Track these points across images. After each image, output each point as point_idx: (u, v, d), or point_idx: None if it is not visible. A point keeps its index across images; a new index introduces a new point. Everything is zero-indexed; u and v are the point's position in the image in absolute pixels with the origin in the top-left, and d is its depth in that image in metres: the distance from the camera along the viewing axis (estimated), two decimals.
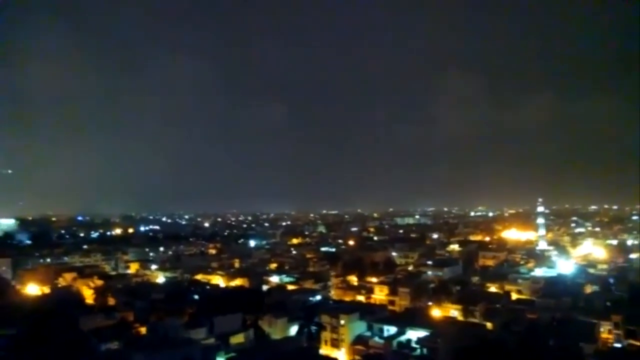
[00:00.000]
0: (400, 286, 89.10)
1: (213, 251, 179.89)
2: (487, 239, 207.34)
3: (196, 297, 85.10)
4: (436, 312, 73.84)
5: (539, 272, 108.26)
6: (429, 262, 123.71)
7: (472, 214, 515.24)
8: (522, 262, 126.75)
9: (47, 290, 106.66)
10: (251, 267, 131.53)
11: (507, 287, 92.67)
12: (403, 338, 59.41)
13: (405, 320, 64.99)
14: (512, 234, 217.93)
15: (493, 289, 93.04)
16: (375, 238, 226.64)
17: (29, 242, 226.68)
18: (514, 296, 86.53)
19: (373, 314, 69.15)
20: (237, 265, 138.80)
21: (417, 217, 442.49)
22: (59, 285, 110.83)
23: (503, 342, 51.39)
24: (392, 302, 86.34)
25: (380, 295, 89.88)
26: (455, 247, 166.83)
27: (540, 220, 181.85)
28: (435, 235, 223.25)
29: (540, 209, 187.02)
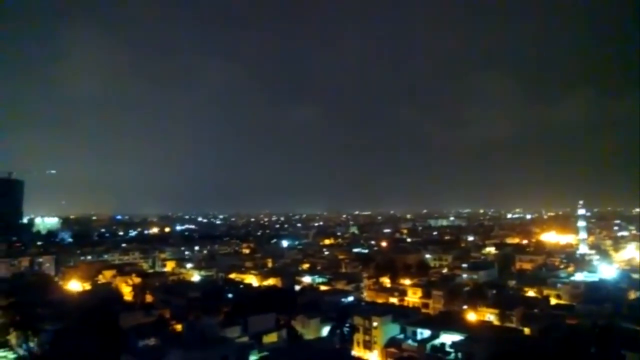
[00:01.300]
0: (434, 289, 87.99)
1: (246, 251, 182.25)
2: (525, 241, 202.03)
3: (230, 296, 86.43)
4: (471, 316, 72.54)
5: (580, 276, 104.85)
6: (464, 265, 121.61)
7: (509, 216, 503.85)
8: (561, 266, 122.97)
9: (88, 286, 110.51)
10: (284, 267, 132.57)
11: (546, 292, 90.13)
12: (437, 342, 58.62)
13: (440, 323, 64.09)
14: (551, 237, 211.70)
15: (531, 293, 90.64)
16: (408, 240, 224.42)
17: (70, 240, 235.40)
18: (553, 301, 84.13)
19: (406, 316, 68.55)
20: (270, 265, 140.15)
21: (451, 218, 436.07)
22: (99, 282, 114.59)
23: (541, 347, 50.06)
24: (425, 305, 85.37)
25: (413, 297, 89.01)
26: (491, 250, 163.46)
27: (581, 223, 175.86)
28: (470, 238, 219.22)
29: (581, 211, 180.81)
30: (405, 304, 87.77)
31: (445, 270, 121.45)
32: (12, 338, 72.53)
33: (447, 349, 56.23)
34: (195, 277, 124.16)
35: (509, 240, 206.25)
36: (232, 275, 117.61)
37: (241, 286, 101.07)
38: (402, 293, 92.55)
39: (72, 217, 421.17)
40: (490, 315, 72.41)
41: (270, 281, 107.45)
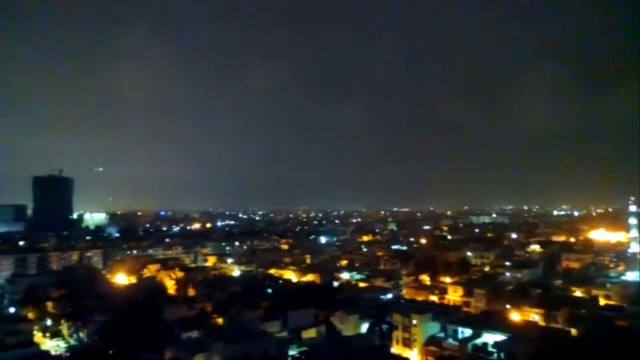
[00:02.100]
0: (476, 287, 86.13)
1: (285, 247, 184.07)
2: (572, 239, 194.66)
3: (270, 291, 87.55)
4: (515, 316, 70.62)
5: (631, 276, 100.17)
6: (507, 263, 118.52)
7: (555, 212, 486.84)
8: (611, 265, 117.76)
9: (134, 280, 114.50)
10: (322, 263, 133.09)
11: (594, 292, 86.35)
12: (479, 341, 57.40)
13: (481, 322, 62.70)
14: (600, 235, 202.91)
15: (578, 293, 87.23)
16: (449, 237, 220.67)
17: (117, 235, 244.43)
18: (602, 302, 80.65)
19: (447, 314, 67.49)
20: (308, 261, 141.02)
21: (494, 215, 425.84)
22: (144, 276, 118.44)
23: (588, 349, 48.15)
24: (467, 304, 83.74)
25: (454, 296, 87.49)
26: (535, 247, 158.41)
27: (633, 221, 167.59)
28: (513, 235, 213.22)
29: (633, 208, 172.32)
30: (446, 302, 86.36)
31: (487, 269, 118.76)
32: (64, 328, 76.11)
33: (490, 348, 54.96)
34: (236, 272, 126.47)
35: (555, 238, 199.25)
36: (272, 271, 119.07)
37: (280, 281, 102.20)
38: (443, 291, 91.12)
39: (118, 212, 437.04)
40: (534, 315, 70.25)
41: (309, 277, 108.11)
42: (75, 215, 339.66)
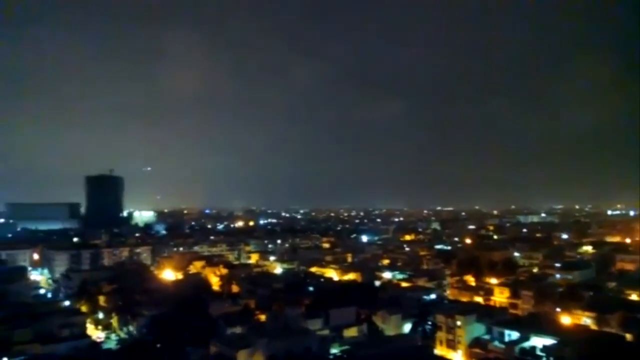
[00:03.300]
0: (523, 289, 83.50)
1: (327, 245, 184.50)
2: (627, 240, 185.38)
3: (311, 289, 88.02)
4: (565, 319, 68.01)
5: None
6: (556, 264, 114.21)
7: (609, 212, 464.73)
8: None
9: (180, 276, 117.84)
10: (364, 262, 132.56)
11: None
12: (526, 344, 55.64)
13: (529, 325, 60.76)
14: None
15: (634, 296, 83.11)
16: (495, 237, 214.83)
17: (165, 232, 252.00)
18: None
19: (492, 316, 65.79)
20: (349, 259, 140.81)
21: (542, 215, 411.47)
22: (190, 272, 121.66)
23: None
24: (513, 306, 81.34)
25: (500, 297, 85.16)
26: (587, 248, 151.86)
27: None
28: (563, 236, 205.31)
29: None
30: (491, 303, 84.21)
31: (535, 270, 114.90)
32: (115, 321, 79.28)
33: (538, 352, 53.21)
34: (278, 269, 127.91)
35: (609, 239, 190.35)
36: (313, 269, 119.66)
37: (322, 280, 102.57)
38: (488, 292, 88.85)
39: (165, 210, 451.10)
40: (586, 319, 67.37)
41: (350, 276, 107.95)
42: (125, 213, 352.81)
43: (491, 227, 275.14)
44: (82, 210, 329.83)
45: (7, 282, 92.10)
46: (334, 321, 60.78)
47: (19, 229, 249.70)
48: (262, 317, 69.75)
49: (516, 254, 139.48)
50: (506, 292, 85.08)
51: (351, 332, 59.31)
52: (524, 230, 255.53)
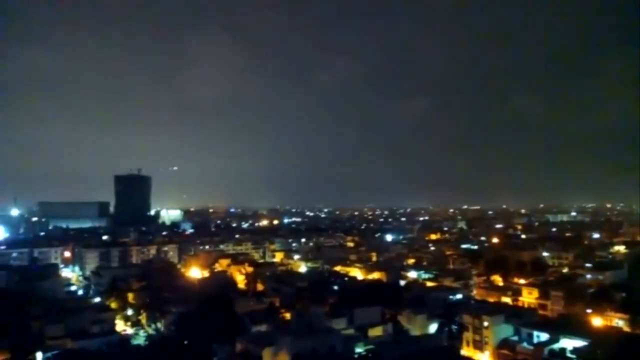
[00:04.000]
0: (553, 289, 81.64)
1: (351, 244, 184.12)
2: None
3: (336, 287, 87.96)
4: (596, 321, 66.24)
5: None
6: (587, 265, 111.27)
7: None
8: None
9: (206, 274, 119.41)
10: (388, 261, 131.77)
11: None
12: (556, 346, 54.37)
13: (559, 326, 59.42)
14: None
15: None
16: (523, 236, 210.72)
17: (191, 230, 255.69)
18: None
19: (520, 317, 64.59)
20: (374, 258, 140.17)
21: (572, 214, 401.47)
22: (216, 270, 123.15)
23: None
24: (542, 306, 79.63)
25: (528, 298, 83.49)
26: (619, 248, 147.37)
27: None
28: (594, 235, 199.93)
29: None
30: (520, 304, 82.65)
31: (565, 270, 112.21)
32: (143, 318, 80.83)
33: (568, 354, 51.94)
34: (302, 268, 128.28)
35: None
36: (337, 268, 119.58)
37: (346, 279, 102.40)
38: (516, 293, 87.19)
39: (192, 209, 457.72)
40: (618, 321, 65.58)
41: (375, 275, 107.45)
42: (152, 212, 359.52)
43: (519, 226, 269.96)
44: (111, 209, 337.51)
45: (40, 279, 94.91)
46: (359, 320, 60.56)
47: (51, 227, 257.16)
48: (287, 316, 70.04)
49: (545, 253, 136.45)
50: (535, 293, 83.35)
51: (376, 332, 58.98)
52: (554, 229, 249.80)
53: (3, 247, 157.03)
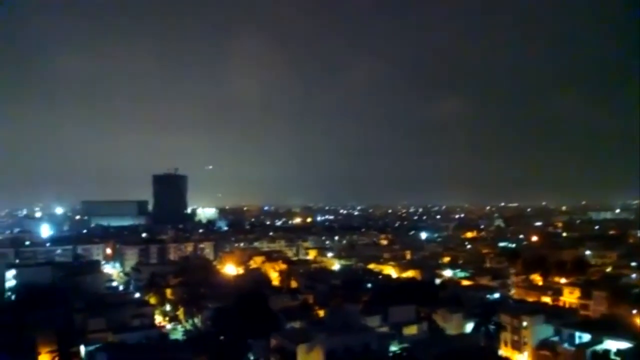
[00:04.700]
0: (595, 289, 78.80)
1: (384, 242, 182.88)
2: None
3: (369, 285, 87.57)
4: None
5: None
6: (633, 264, 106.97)
7: None
8: None
9: (241, 270, 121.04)
10: (423, 260, 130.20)
11: None
12: (599, 348, 52.46)
13: (602, 327, 57.26)
14: None
15: None
16: (564, 234, 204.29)
17: (226, 228, 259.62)
18: None
19: (561, 317, 62.65)
20: (408, 256, 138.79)
21: (617, 211, 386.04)
22: (251, 267, 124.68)
23: None
24: (584, 307, 77.00)
25: (569, 298, 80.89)
26: None
27: None
28: None
29: None
30: (560, 304, 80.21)
31: (608, 269, 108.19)
32: (181, 313, 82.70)
33: (612, 357, 50.04)
34: (336, 265, 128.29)
35: None
36: (371, 266, 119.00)
37: (380, 276, 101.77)
38: (556, 292, 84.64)
39: (227, 207, 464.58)
40: None
41: (409, 273, 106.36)
42: (189, 210, 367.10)
43: (559, 224, 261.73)
44: (150, 207, 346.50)
45: (83, 275, 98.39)
46: (393, 318, 60.10)
47: (93, 225, 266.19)
48: (321, 313, 70.20)
49: (587, 252, 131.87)
50: (576, 293, 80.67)
51: (411, 330, 58.38)
52: (596, 227, 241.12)
53: (48, 244, 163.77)
